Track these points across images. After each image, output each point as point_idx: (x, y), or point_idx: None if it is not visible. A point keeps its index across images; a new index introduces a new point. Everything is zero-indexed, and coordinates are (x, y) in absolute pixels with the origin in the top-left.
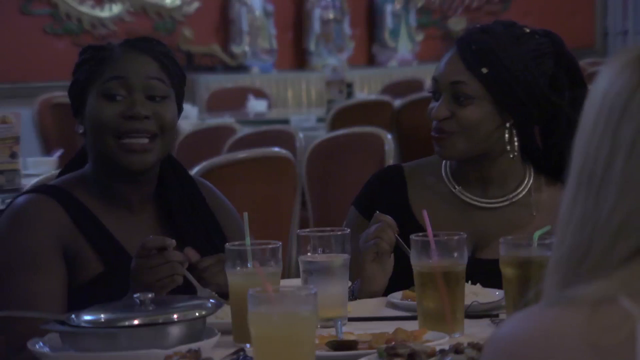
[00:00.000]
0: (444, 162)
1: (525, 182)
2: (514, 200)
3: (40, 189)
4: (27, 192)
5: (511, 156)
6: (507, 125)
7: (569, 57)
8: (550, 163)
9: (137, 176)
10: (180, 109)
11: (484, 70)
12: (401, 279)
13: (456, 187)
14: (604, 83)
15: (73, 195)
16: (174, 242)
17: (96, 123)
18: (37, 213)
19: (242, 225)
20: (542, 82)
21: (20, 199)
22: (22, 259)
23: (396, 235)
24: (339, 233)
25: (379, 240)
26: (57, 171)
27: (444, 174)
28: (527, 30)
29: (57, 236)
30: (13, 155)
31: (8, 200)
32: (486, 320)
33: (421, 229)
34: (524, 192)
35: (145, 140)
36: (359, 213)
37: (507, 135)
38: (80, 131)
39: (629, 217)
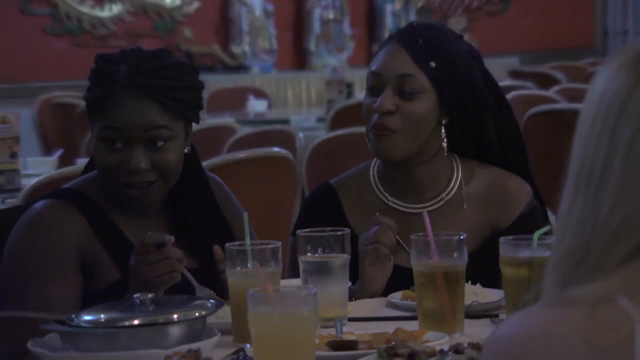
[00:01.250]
0: (371, 173)
1: (455, 176)
2: (447, 198)
3: (60, 194)
4: (47, 197)
5: (445, 154)
6: (444, 122)
7: (486, 68)
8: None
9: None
10: (196, 121)
11: (432, 64)
12: (400, 280)
13: (389, 198)
14: (601, 84)
15: (92, 199)
16: (172, 238)
17: (97, 163)
18: (56, 221)
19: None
20: (480, 81)
21: (40, 205)
22: (37, 267)
23: (396, 236)
24: (339, 233)
25: (379, 245)
26: (56, 171)
27: (374, 185)
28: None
29: (76, 244)
30: (13, 155)
31: (9, 201)
32: (486, 320)
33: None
34: (455, 188)
35: (145, 186)
36: None
37: (443, 132)
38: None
39: (628, 217)
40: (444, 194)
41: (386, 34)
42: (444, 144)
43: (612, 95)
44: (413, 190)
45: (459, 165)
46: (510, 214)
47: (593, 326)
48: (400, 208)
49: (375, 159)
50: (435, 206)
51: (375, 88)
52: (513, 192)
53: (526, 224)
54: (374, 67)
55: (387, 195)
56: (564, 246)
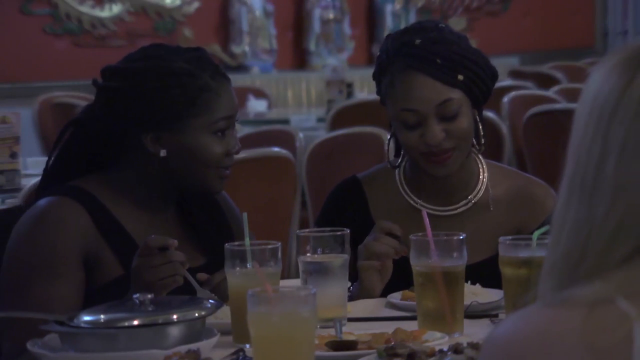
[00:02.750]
0: (397, 172)
1: (481, 177)
2: (474, 200)
3: (64, 191)
4: (51, 194)
5: (482, 150)
6: (478, 119)
7: None
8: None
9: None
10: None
11: (460, 77)
12: (400, 280)
13: (417, 201)
14: (594, 85)
15: (95, 197)
16: (175, 242)
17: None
18: (60, 218)
19: (243, 225)
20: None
21: (44, 202)
22: (41, 264)
23: (403, 243)
24: (339, 233)
25: (372, 262)
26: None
27: (400, 186)
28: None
29: (79, 241)
30: (13, 155)
31: (9, 201)
32: (486, 320)
33: None
34: (482, 190)
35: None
36: None
37: (481, 128)
38: (163, 154)
39: (624, 219)
40: (471, 196)
41: (386, 34)
42: (483, 140)
43: (604, 97)
44: (443, 194)
45: (484, 166)
46: (536, 220)
47: (591, 327)
48: (429, 211)
49: (400, 159)
50: (464, 208)
51: (413, 122)
52: (540, 198)
53: None
54: (406, 105)
55: (414, 198)
56: (559, 250)
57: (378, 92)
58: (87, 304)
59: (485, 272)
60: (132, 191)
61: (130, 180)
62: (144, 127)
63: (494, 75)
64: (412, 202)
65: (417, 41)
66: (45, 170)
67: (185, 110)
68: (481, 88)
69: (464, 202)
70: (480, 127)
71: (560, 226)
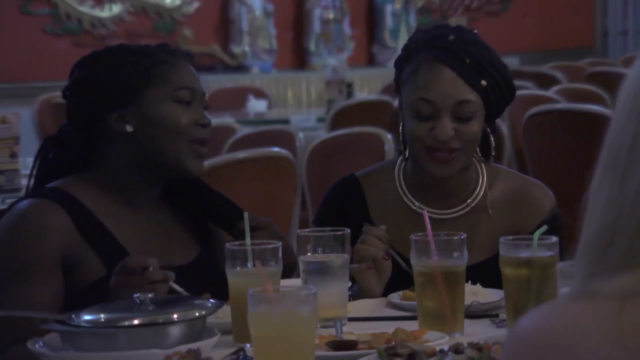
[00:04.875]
0: (396, 172)
1: (481, 181)
2: (473, 204)
3: (44, 193)
4: (31, 196)
5: (490, 162)
6: (489, 130)
7: None
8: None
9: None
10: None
11: (484, 82)
12: (400, 280)
13: (415, 203)
14: (635, 70)
15: (75, 198)
16: (156, 261)
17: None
18: (40, 221)
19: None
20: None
21: (24, 204)
22: (19, 267)
23: (389, 246)
24: (339, 233)
25: (360, 265)
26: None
27: (399, 189)
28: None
29: (59, 244)
30: (13, 155)
31: (9, 201)
32: (486, 321)
33: None
34: (481, 194)
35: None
36: None
37: (492, 140)
38: (129, 129)
39: None
40: (469, 200)
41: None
42: (494, 152)
43: None
44: (442, 197)
45: (484, 170)
46: (534, 221)
47: (622, 323)
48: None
49: (400, 160)
50: (462, 212)
51: (426, 114)
52: (537, 199)
53: (549, 231)
54: (425, 95)
55: (413, 200)
56: (591, 229)
57: (396, 79)
58: (72, 305)
59: (482, 274)
60: (113, 188)
61: (109, 175)
62: (107, 108)
63: (512, 94)
64: (410, 204)
65: (451, 37)
66: (27, 186)
67: (141, 82)
68: (499, 101)
69: (463, 205)
70: (492, 139)
71: (593, 205)
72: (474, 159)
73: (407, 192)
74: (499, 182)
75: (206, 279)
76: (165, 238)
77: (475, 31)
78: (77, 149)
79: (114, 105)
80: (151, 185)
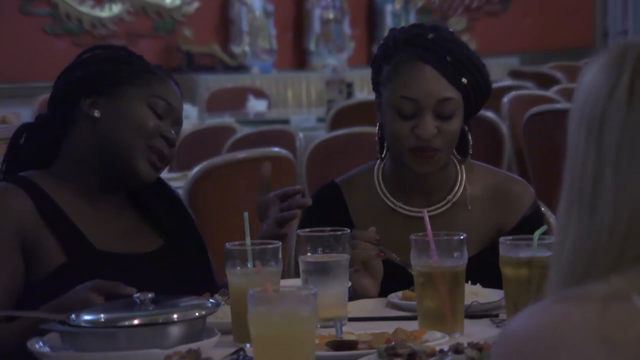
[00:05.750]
0: (375, 176)
1: (460, 178)
2: (453, 200)
3: (7, 177)
4: None
5: (466, 161)
6: (466, 128)
7: None
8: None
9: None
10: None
11: (464, 80)
12: (400, 280)
13: (396, 203)
14: (581, 92)
15: (40, 187)
16: (133, 290)
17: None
18: (0, 201)
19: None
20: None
21: None
22: None
23: (379, 246)
24: (339, 233)
25: (369, 267)
26: None
27: (379, 190)
28: None
29: (18, 225)
30: None
31: None
32: (486, 320)
33: None
34: (460, 190)
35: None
36: None
37: (470, 138)
38: (97, 115)
39: (631, 227)
40: (450, 197)
41: (386, 34)
42: (470, 150)
43: (592, 105)
44: (421, 195)
45: (462, 167)
46: (514, 216)
47: (606, 321)
48: (408, 213)
49: (378, 161)
50: (442, 209)
51: (408, 112)
52: (517, 194)
53: (529, 226)
54: (407, 93)
55: (393, 200)
56: (564, 258)
57: (374, 79)
58: (32, 292)
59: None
60: (74, 178)
61: (72, 167)
62: (84, 91)
63: (490, 92)
64: (390, 204)
65: (430, 35)
66: None
67: (126, 79)
68: (477, 99)
69: (443, 202)
70: (470, 137)
71: (563, 235)
72: (451, 157)
73: (387, 193)
74: (479, 179)
75: (171, 267)
76: (129, 229)
77: (451, 29)
78: (47, 132)
79: (92, 90)
80: (109, 191)
